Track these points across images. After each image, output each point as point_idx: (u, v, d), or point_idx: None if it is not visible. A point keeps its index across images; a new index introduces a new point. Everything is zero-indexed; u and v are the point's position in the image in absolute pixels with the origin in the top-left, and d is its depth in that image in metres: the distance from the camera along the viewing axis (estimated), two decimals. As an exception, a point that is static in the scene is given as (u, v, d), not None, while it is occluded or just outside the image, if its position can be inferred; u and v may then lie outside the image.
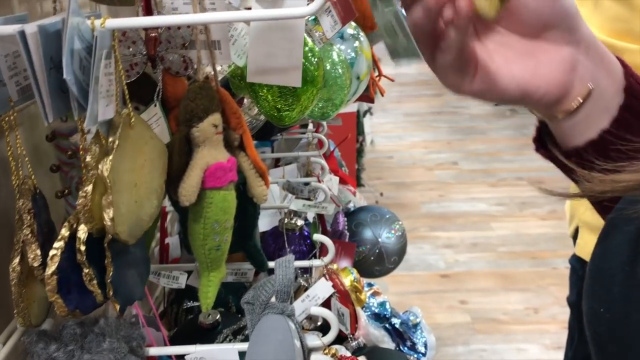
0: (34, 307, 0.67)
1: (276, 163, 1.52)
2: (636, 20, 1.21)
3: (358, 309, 0.91)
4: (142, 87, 0.77)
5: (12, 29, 0.55)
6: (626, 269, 0.37)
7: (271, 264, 0.92)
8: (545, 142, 0.56)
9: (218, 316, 0.99)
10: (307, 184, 1.25)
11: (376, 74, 1.32)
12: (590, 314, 0.40)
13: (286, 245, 1.09)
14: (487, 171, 4.69)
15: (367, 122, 4.32)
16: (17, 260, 0.64)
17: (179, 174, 0.76)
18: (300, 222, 1.12)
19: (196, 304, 1.06)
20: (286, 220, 1.12)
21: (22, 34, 0.53)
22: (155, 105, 0.76)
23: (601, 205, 0.54)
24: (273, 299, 0.73)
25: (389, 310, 1.03)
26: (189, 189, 0.74)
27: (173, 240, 1.14)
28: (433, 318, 3.06)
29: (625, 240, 0.38)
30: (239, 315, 1.05)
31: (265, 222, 1.20)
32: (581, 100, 0.50)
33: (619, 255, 0.38)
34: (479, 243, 3.75)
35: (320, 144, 1.41)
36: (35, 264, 0.63)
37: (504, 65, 0.50)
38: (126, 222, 0.61)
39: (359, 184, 4.13)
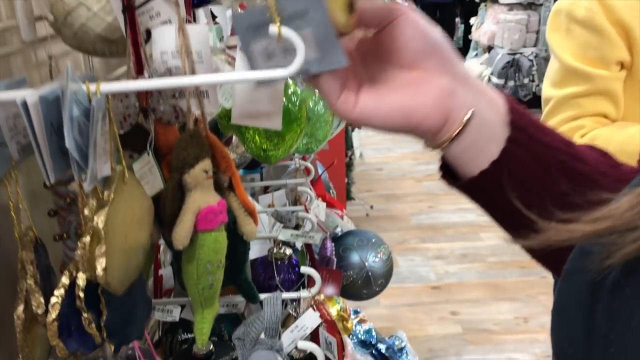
0: (37, 351, 0.71)
1: (265, 189, 1.56)
2: (606, 48, 1.27)
3: (345, 337, 0.95)
4: (135, 136, 0.81)
5: (14, 96, 0.60)
6: (587, 309, 0.40)
7: (262, 295, 0.96)
8: (449, 171, 0.59)
9: (212, 346, 1.03)
10: (294, 212, 1.29)
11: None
12: (557, 347, 0.44)
13: (275, 274, 1.14)
14: (476, 181, 4.75)
15: (356, 136, 4.37)
16: (21, 307, 0.68)
17: (172, 219, 0.80)
18: (288, 251, 1.17)
19: (191, 335, 1.10)
20: (275, 250, 1.17)
21: (25, 104, 0.57)
22: (148, 154, 0.81)
23: (538, 256, 0.59)
24: (262, 335, 0.77)
25: (375, 336, 1.08)
26: (182, 234, 0.78)
27: (166, 272, 1.18)
28: (425, 330, 3.10)
29: (585, 282, 0.40)
30: (232, 344, 1.09)
31: (255, 250, 1.25)
32: (463, 122, 0.53)
33: (580, 295, 0.41)
34: (469, 254, 3.81)
35: (308, 171, 1.46)
36: (39, 312, 0.67)
37: (387, 94, 0.54)
38: (116, 272, 0.65)
39: (349, 197, 4.18)
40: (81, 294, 0.65)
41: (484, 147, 0.55)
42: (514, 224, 0.56)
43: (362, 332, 1.08)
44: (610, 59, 1.27)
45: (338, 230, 1.45)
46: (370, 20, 0.54)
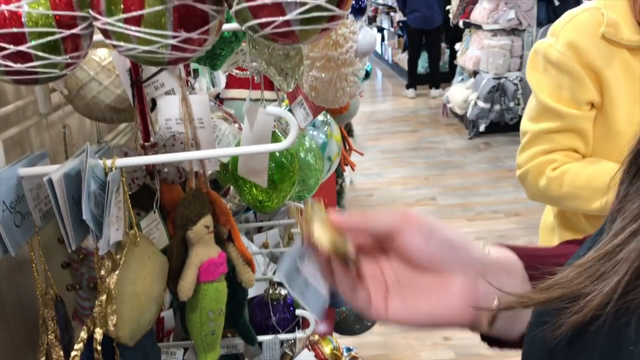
0: (56, 399, 0.77)
1: (259, 229, 1.63)
2: (577, 89, 1.36)
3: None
4: (142, 196, 0.89)
5: (40, 172, 0.67)
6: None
7: (260, 337, 1.03)
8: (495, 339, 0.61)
9: (214, 385, 1.10)
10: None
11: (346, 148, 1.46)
12: None
13: (272, 314, 1.21)
14: (465, 205, 4.82)
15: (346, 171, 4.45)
16: (43, 360, 0.75)
17: (177, 272, 0.88)
18: (284, 292, 1.24)
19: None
20: (270, 291, 1.24)
21: (50, 181, 0.65)
22: (154, 212, 0.88)
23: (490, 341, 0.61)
24: (262, 378, 0.84)
25: (367, 371, 1.14)
26: (186, 286, 0.86)
27: (167, 314, 1.25)
28: (418, 356, 3.15)
29: (542, 345, 0.45)
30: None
31: (251, 290, 1.31)
32: (492, 314, 0.55)
33: (542, 352, 0.46)
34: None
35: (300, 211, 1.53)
36: (60, 364, 0.74)
37: (413, 300, 0.56)
38: (127, 327, 0.73)
39: (340, 225, 4.23)
40: (99, 347, 0.72)
41: (518, 315, 0.56)
42: None
43: (355, 370, 1.15)
44: (581, 99, 1.36)
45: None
46: (374, 240, 0.57)
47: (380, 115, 7.84)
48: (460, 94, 6.77)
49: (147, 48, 0.59)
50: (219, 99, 1.36)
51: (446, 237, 0.56)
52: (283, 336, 1.04)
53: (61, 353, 0.74)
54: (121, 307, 0.71)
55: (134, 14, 0.57)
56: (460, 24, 6.97)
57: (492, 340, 0.60)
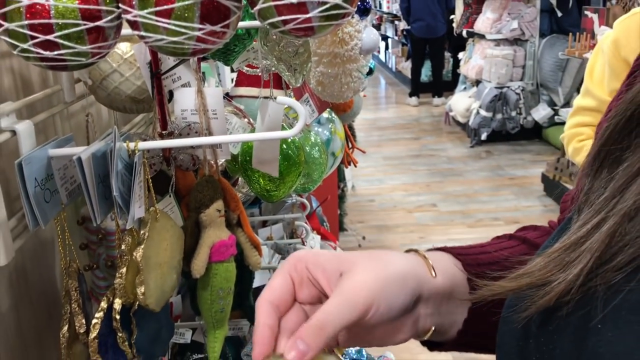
0: (77, 365, 0.83)
1: (264, 223, 1.69)
2: (611, 79, 1.52)
3: (339, 355, 1.07)
4: (158, 181, 0.95)
5: (70, 152, 0.74)
6: (519, 344, 0.49)
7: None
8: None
9: (219, 366, 1.16)
10: (292, 244, 1.42)
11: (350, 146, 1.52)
12: None
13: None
14: (465, 212, 4.87)
15: (348, 169, 4.51)
16: (65, 327, 0.81)
17: (190, 252, 0.94)
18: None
19: (199, 356, 1.22)
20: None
21: (79, 160, 0.71)
22: (170, 196, 0.94)
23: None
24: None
25: (365, 356, 1.20)
26: (199, 264, 0.92)
27: (176, 300, 1.31)
28: (416, 357, 3.19)
29: (518, 327, 0.48)
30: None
31: (256, 280, 1.37)
32: (427, 336, 0.60)
33: (515, 336, 0.49)
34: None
35: (304, 207, 1.59)
36: (82, 331, 0.80)
37: (371, 335, 0.59)
38: (154, 295, 0.79)
39: (341, 228, 4.29)
40: (117, 317, 0.78)
41: (454, 323, 0.62)
42: None
43: (353, 352, 1.20)
44: (612, 88, 1.55)
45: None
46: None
47: (383, 123, 7.91)
48: (462, 102, 6.84)
49: (174, 39, 0.65)
50: (227, 96, 1.42)
51: (404, 300, 0.56)
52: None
53: (83, 321, 0.80)
54: (147, 277, 0.77)
55: (166, 7, 0.63)
56: (464, 33, 7.05)
57: (429, 344, 0.64)
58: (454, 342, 0.63)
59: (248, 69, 1.19)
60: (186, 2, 0.64)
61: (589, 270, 0.40)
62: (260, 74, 1.14)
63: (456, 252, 0.64)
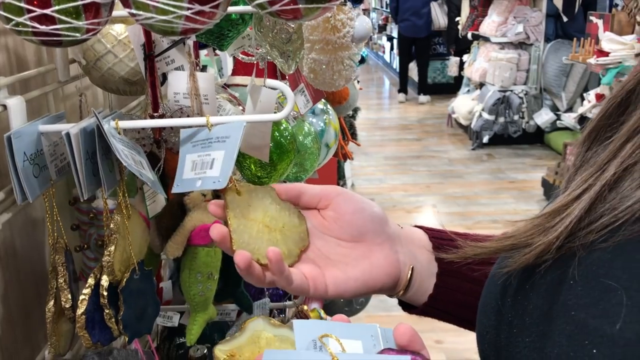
0: (62, 340, 0.84)
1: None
2: None
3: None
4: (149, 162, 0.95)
5: (59, 128, 0.75)
6: (498, 303, 0.52)
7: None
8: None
9: (205, 350, 1.16)
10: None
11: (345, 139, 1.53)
12: (479, 335, 0.57)
13: (265, 289, 1.27)
14: (464, 214, 4.88)
15: (348, 166, 4.51)
16: (51, 302, 0.81)
17: (169, 233, 0.95)
18: (278, 269, 1.31)
19: (185, 340, 1.22)
20: (266, 267, 1.30)
21: (68, 135, 0.72)
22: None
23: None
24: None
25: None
26: (173, 246, 0.93)
27: (166, 285, 1.31)
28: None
29: (498, 282, 0.53)
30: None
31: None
32: (408, 280, 0.66)
33: (494, 295, 0.53)
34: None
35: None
36: (67, 306, 0.81)
37: (348, 272, 0.64)
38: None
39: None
40: (105, 293, 0.79)
41: (426, 283, 0.68)
42: (470, 322, 0.69)
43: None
44: None
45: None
46: (309, 203, 0.66)
47: (386, 123, 7.92)
48: (465, 105, 6.84)
49: (163, 17, 0.66)
50: (225, 86, 1.43)
51: (373, 212, 0.65)
52: (274, 304, 1.10)
53: (69, 296, 0.81)
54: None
55: (155, -15, 0.64)
56: (469, 35, 7.05)
57: (405, 305, 0.71)
58: (426, 305, 0.68)
59: (243, 56, 1.20)
60: (176, -19, 0.65)
61: (568, 234, 0.43)
62: (255, 61, 1.15)
63: (426, 228, 0.71)
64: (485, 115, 6.40)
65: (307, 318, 1.09)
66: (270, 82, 0.85)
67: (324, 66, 0.91)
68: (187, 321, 1.15)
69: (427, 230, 0.71)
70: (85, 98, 0.95)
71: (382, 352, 0.53)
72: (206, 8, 0.68)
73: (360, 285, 0.65)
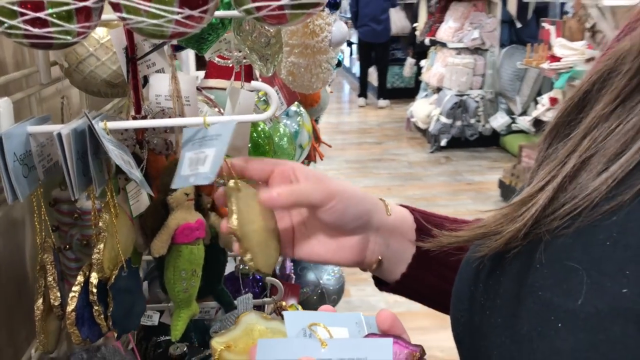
0: (50, 338, 0.85)
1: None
2: None
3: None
4: (131, 163, 0.97)
5: (50, 129, 0.76)
6: (471, 288, 0.55)
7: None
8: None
9: (185, 348, 1.18)
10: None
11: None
12: (454, 319, 0.60)
13: (242, 288, 1.30)
14: (424, 215, 4.97)
15: (312, 167, 4.55)
16: (40, 300, 0.83)
17: (153, 232, 0.97)
18: (253, 268, 1.34)
19: (163, 338, 1.24)
20: (241, 267, 1.33)
21: (59, 135, 0.74)
22: (140, 178, 0.97)
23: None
24: (237, 328, 0.93)
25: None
26: (158, 244, 0.95)
27: (144, 285, 1.33)
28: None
29: (471, 268, 0.56)
30: (202, 349, 1.24)
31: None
32: (375, 267, 0.72)
33: (467, 280, 0.57)
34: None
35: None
36: (56, 304, 0.82)
37: (314, 247, 0.72)
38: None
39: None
40: (94, 290, 0.81)
41: (396, 267, 0.74)
42: (441, 305, 0.75)
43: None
44: None
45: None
46: (314, 203, 0.69)
47: (347, 127, 8.00)
48: (423, 109, 6.97)
49: (154, 21, 0.68)
50: (198, 88, 1.45)
51: (359, 210, 0.70)
52: (253, 301, 1.13)
53: (58, 294, 0.82)
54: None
55: (147, -10, 0.67)
56: (427, 41, 7.19)
57: (378, 281, 0.77)
58: (398, 283, 0.74)
59: (219, 59, 1.23)
60: (168, -13, 0.67)
61: (534, 221, 0.47)
62: (230, 65, 1.18)
63: (412, 208, 0.76)
64: (443, 119, 6.53)
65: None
66: (255, 84, 0.89)
67: (302, 69, 0.94)
68: (167, 320, 1.17)
69: (416, 217, 0.75)
70: (67, 101, 0.97)
71: (366, 337, 0.57)
72: (196, 13, 0.71)
73: (321, 261, 0.73)
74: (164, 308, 1.17)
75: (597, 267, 0.42)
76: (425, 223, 0.74)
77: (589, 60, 4.32)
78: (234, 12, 0.88)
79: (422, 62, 7.53)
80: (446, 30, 6.71)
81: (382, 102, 8.95)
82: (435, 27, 7.02)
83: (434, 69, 6.95)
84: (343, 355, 0.53)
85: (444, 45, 6.77)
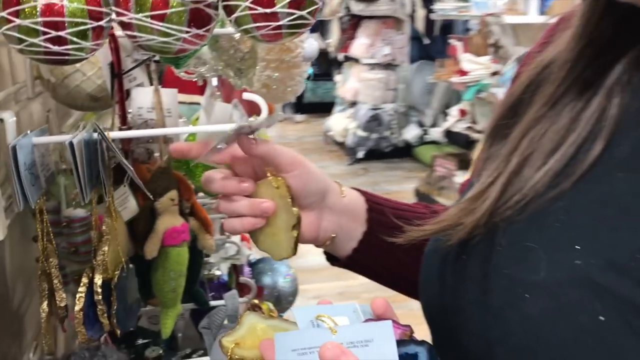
0: (52, 339, 0.89)
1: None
2: None
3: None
4: (116, 172, 1.03)
5: (55, 140, 0.82)
6: (439, 274, 0.60)
7: (213, 303, 1.19)
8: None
9: (161, 351, 1.23)
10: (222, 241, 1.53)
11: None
12: (425, 305, 0.65)
13: (207, 292, 1.36)
14: (347, 225, 5.11)
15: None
16: (45, 303, 0.87)
17: (144, 236, 1.03)
18: (218, 272, 1.40)
19: (145, 341, 1.28)
20: (206, 271, 1.40)
21: (71, 144, 0.79)
22: (124, 186, 1.03)
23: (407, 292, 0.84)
24: (226, 322, 1.00)
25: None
26: (151, 247, 1.01)
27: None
28: None
29: (437, 255, 0.62)
30: (177, 352, 1.30)
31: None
32: (328, 243, 0.76)
33: (435, 266, 0.62)
34: (344, 292, 4.13)
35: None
36: (62, 305, 0.86)
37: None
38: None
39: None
40: (99, 290, 0.86)
41: (347, 243, 0.78)
42: (392, 282, 0.84)
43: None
44: None
45: (252, 257, 1.69)
46: (280, 167, 0.73)
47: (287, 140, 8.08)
48: (340, 122, 7.16)
49: (164, 39, 0.76)
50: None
51: (318, 187, 0.75)
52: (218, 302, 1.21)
53: (64, 296, 0.86)
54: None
55: (160, 12, 0.74)
56: (340, 57, 7.40)
57: (329, 256, 0.82)
58: (348, 258, 0.79)
59: (184, 74, 1.29)
60: (179, 9, 0.75)
61: (490, 212, 0.55)
62: (194, 79, 1.25)
63: (363, 191, 0.81)
64: (360, 132, 6.74)
65: (260, 309, 1.20)
66: (246, 95, 0.97)
67: (278, 82, 1.04)
68: (144, 323, 1.22)
69: (367, 197, 0.80)
70: (53, 114, 1.01)
71: (365, 322, 0.65)
72: (201, 32, 0.79)
73: None
74: (140, 312, 1.21)
75: (551, 245, 0.48)
76: (375, 204, 0.79)
77: (494, 73, 4.64)
78: (225, 30, 0.96)
79: (337, 78, 7.74)
80: (359, 46, 6.94)
81: (299, 117, 9.11)
82: (348, 43, 7.24)
83: (349, 83, 7.16)
84: (352, 339, 0.58)
85: (357, 61, 7.00)
